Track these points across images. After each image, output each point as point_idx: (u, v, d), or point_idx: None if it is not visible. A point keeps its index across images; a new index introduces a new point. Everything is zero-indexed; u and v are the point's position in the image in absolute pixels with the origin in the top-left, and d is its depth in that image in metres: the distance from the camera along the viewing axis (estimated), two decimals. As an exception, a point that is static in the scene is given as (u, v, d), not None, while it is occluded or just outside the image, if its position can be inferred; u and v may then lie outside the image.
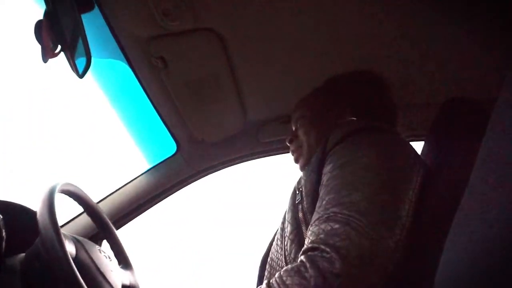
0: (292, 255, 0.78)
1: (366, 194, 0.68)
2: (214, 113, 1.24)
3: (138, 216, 1.43)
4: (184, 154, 1.38)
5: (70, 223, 1.32)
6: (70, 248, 0.79)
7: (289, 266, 0.67)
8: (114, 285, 0.84)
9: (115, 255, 1.00)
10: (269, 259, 0.90)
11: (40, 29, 0.79)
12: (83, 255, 0.81)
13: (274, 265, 0.86)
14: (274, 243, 0.91)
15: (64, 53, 0.82)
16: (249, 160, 1.46)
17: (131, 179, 1.39)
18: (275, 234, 0.97)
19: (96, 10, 0.85)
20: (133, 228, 1.44)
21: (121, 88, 1.24)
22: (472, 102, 0.87)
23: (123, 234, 1.23)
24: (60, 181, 0.85)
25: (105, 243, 1.05)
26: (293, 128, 1.07)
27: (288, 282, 0.64)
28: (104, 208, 1.30)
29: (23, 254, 0.82)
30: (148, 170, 1.39)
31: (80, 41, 0.73)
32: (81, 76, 0.79)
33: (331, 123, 0.97)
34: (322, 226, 0.67)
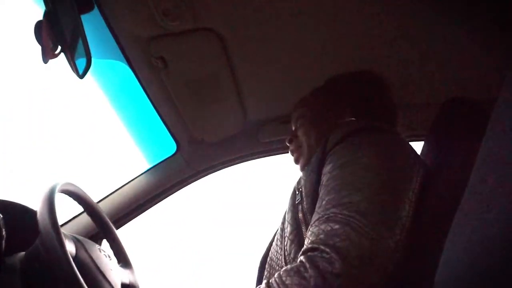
0: (292, 255, 0.78)
1: (366, 195, 0.68)
2: (214, 113, 1.24)
3: (138, 216, 1.43)
4: (184, 154, 1.37)
5: (70, 223, 1.32)
6: (70, 248, 0.80)
7: (289, 266, 0.67)
8: (113, 284, 0.84)
9: (115, 254, 1.00)
10: (268, 259, 0.90)
11: (40, 30, 0.79)
12: (83, 255, 0.81)
13: (274, 265, 0.86)
14: (274, 243, 0.91)
15: (64, 54, 0.82)
16: (249, 160, 1.46)
17: (131, 179, 1.39)
18: (274, 234, 0.96)
19: (96, 10, 0.85)
20: (133, 227, 1.44)
21: (121, 88, 1.24)
22: (472, 102, 0.87)
23: (123, 233, 1.23)
24: (60, 181, 0.85)
25: (105, 242, 1.05)
26: (293, 128, 1.07)
27: (287, 282, 0.64)
28: (104, 208, 1.30)
29: (23, 253, 0.82)
30: (148, 170, 1.39)
31: (80, 41, 0.73)
32: (81, 76, 0.79)
33: (331, 123, 0.97)
34: (322, 226, 0.67)
